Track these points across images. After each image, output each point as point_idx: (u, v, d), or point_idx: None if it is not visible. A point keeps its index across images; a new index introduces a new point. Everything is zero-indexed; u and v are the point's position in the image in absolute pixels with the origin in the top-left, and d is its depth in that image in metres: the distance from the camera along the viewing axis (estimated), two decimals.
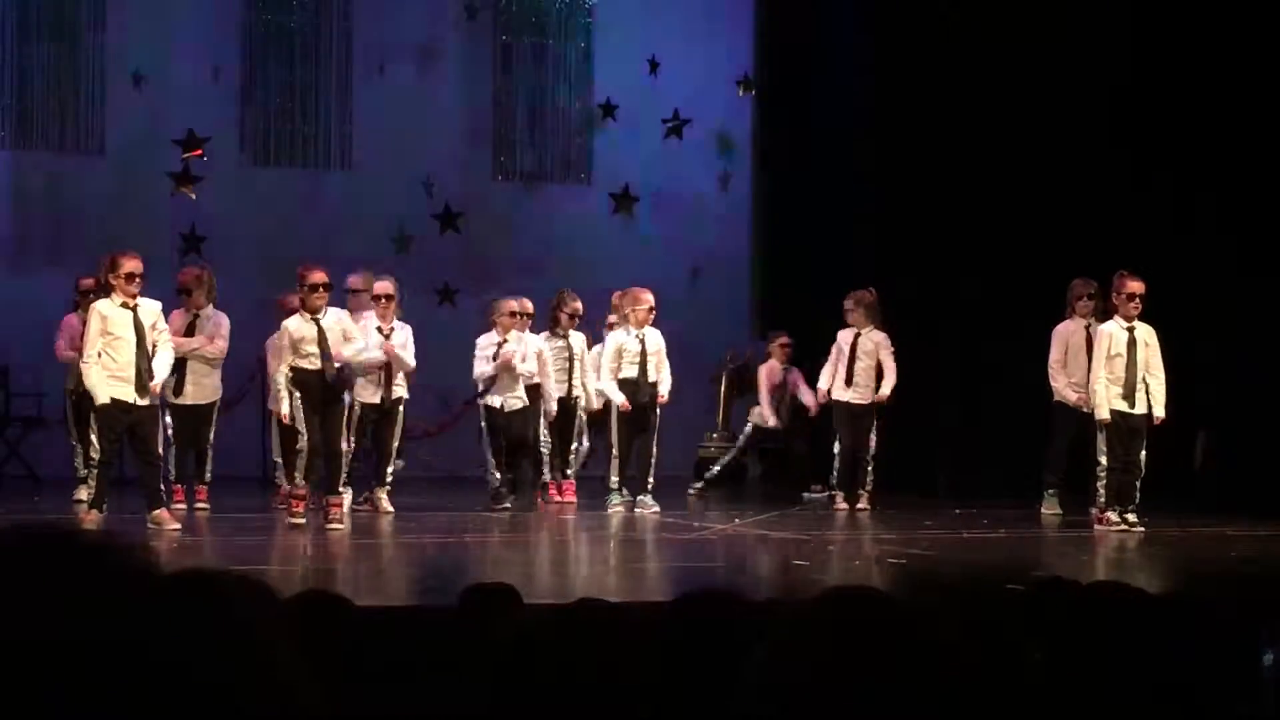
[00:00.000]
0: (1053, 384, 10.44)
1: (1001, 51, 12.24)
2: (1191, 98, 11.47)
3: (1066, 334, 10.46)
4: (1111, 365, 9.63)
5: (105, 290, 9.10)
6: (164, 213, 13.62)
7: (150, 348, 9.06)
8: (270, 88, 14.42)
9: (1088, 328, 10.30)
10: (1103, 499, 9.60)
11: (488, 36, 14.99)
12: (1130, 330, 9.68)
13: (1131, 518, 9.57)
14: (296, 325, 9.69)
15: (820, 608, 1.78)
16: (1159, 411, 9.66)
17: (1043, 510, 10.31)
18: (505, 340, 10.75)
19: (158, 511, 9.00)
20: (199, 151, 13.37)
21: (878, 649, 1.69)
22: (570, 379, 11.19)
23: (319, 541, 8.68)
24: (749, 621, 2.49)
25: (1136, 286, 9.64)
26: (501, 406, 10.62)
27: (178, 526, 8.99)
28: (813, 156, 14.46)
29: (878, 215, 13.48)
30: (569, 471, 11.31)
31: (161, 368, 9.18)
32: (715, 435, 13.67)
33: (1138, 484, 9.61)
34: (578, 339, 11.38)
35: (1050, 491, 10.37)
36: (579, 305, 11.41)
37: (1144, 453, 9.63)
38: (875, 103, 13.62)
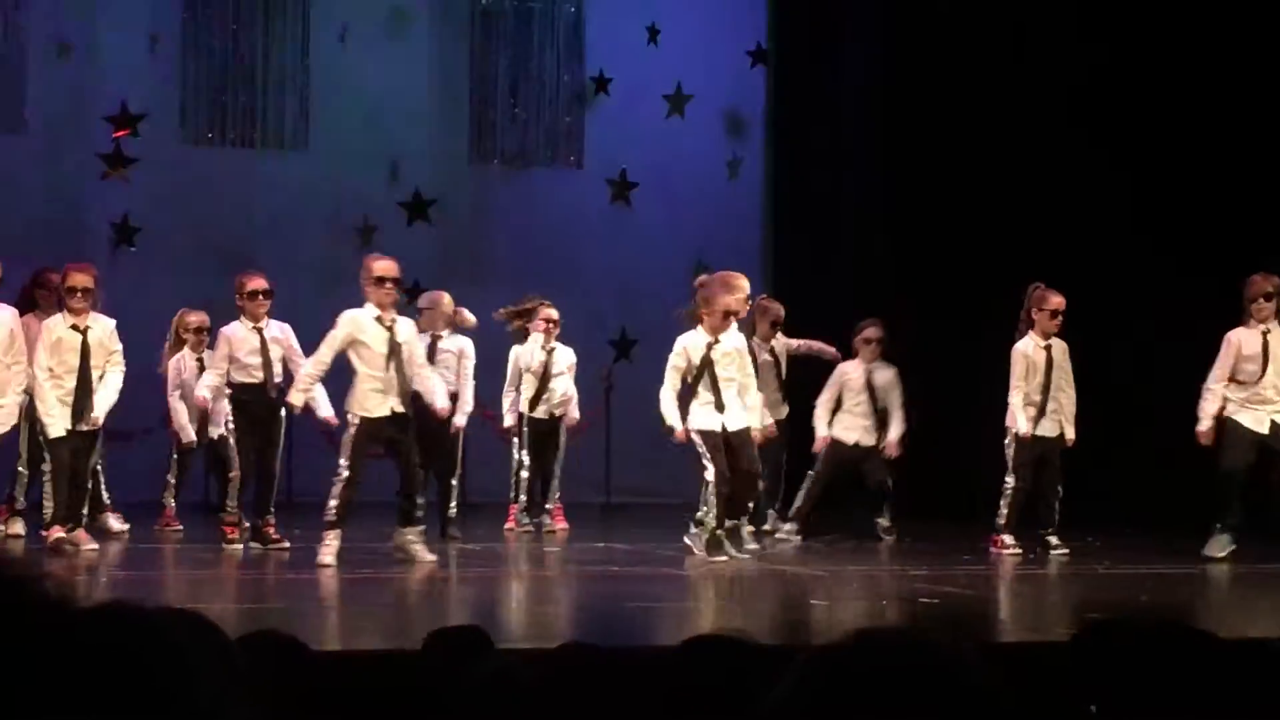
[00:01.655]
0: (1209, 404, 9.87)
1: (1048, 24, 12.38)
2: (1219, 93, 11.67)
3: (1239, 341, 9.89)
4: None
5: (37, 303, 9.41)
6: (93, 200, 13.61)
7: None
8: (214, 58, 14.40)
9: (1265, 334, 9.83)
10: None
11: None
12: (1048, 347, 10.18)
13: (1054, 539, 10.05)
14: (240, 334, 9.83)
15: (844, 653, 1.76)
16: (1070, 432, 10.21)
17: (1210, 552, 9.77)
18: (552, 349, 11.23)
19: (76, 532, 9.34)
20: (128, 131, 13.37)
21: (910, 701, 1.67)
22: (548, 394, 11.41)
23: (269, 576, 8.67)
24: (761, 669, 2.48)
25: (1058, 301, 10.13)
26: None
27: (95, 546, 9.17)
28: (834, 139, 14.47)
29: (907, 206, 13.51)
30: (557, 495, 11.56)
31: (108, 396, 9.32)
32: None
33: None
34: (561, 354, 11.45)
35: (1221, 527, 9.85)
36: (554, 313, 11.44)
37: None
38: (905, 79, 13.64)
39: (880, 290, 13.38)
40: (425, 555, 8.97)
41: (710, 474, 9.47)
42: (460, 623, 4.16)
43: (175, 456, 11.17)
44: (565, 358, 11.54)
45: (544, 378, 11.38)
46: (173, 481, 11.14)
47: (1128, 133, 12.23)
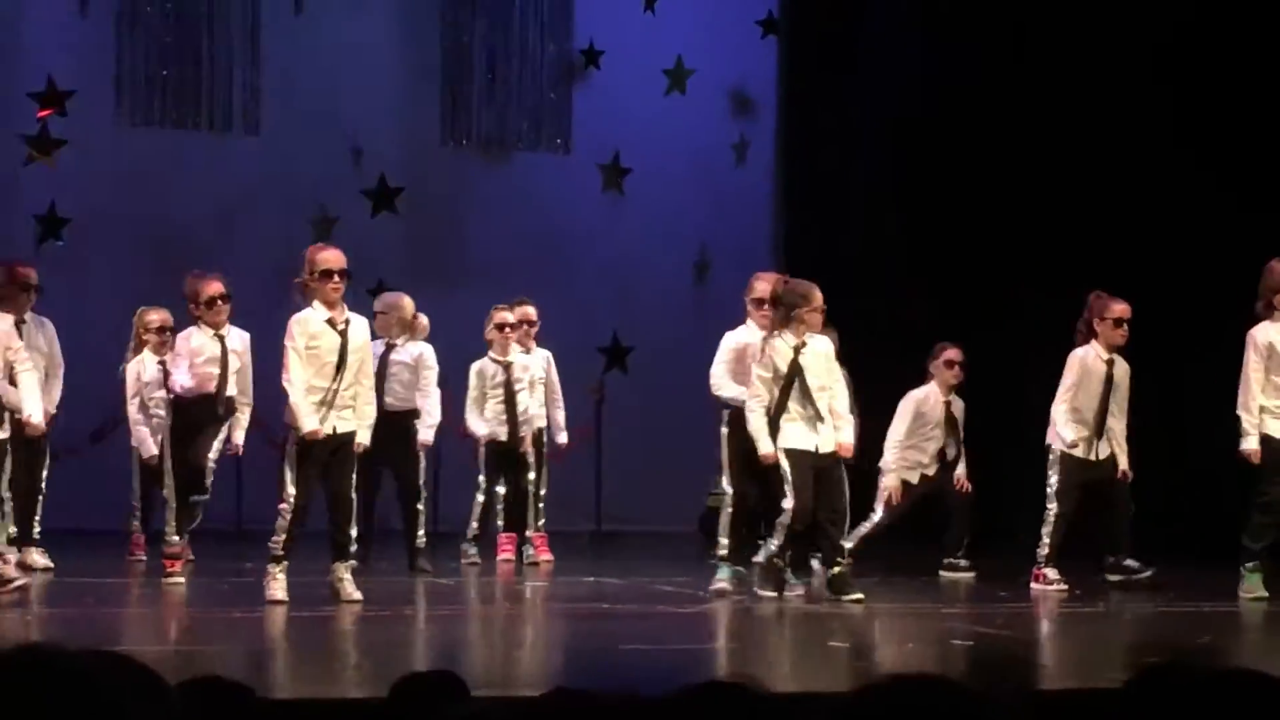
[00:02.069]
0: (1249, 416, 9.79)
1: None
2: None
3: (1268, 340, 9.85)
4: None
5: None
6: (15, 187, 13.61)
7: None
8: (155, 27, 14.42)
9: None
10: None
11: None
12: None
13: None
14: (200, 341, 9.91)
15: (862, 703, 1.76)
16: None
17: (1241, 592, 9.72)
18: (509, 363, 11.26)
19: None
20: (54, 109, 13.36)
21: None
22: (512, 411, 11.43)
23: (216, 614, 8.67)
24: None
25: (1121, 309, 10.25)
26: None
27: (23, 581, 9.10)
28: (853, 119, 14.48)
29: (932, 193, 13.53)
30: (541, 523, 11.61)
31: (31, 398, 9.26)
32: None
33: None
34: (535, 359, 11.48)
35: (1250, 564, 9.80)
36: (508, 316, 11.48)
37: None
38: (931, 53, 13.67)
39: (902, 288, 13.42)
40: (353, 594, 8.93)
41: (789, 504, 9.30)
42: (431, 667, 4.16)
43: (137, 476, 11.05)
44: (532, 367, 11.54)
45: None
46: (136, 505, 11.05)
47: (1151, 106, 12.38)
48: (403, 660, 7.14)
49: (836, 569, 9.31)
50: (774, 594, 9.37)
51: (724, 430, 9.78)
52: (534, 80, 15.21)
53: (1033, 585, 10.07)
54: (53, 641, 1.63)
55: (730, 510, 9.71)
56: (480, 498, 11.51)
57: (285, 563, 8.88)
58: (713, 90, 15.22)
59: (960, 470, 11.04)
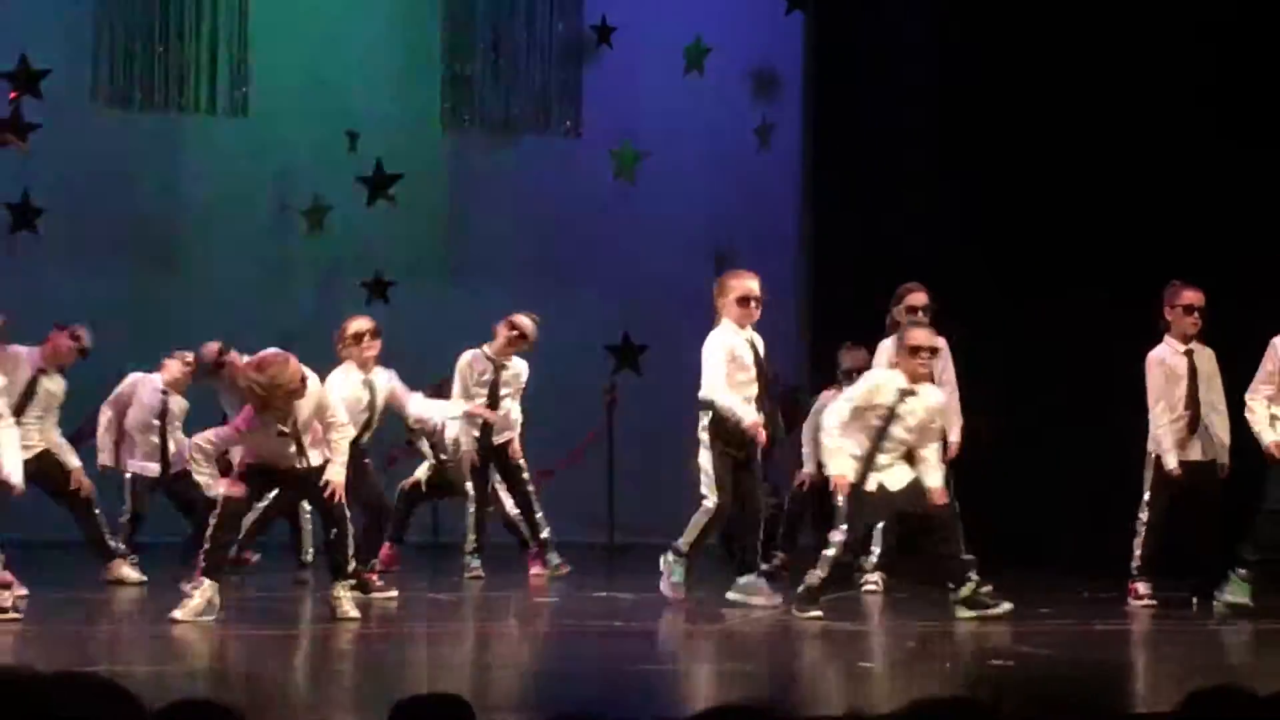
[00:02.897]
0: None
1: None
2: None
3: None
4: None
5: None
6: None
7: None
8: (136, 4, 14.45)
9: None
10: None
11: None
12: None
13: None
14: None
15: None
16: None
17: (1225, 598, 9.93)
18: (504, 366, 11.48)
19: None
20: (27, 91, 13.39)
21: None
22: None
23: (204, 634, 8.70)
24: None
25: (1191, 296, 10.22)
26: None
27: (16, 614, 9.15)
28: (885, 99, 14.48)
29: (971, 180, 13.52)
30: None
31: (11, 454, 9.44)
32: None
33: None
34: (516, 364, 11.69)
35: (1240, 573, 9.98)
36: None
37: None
38: (968, 28, 13.66)
39: (943, 280, 13.37)
40: (350, 611, 8.99)
41: (840, 537, 9.48)
42: (435, 689, 4.18)
43: (129, 490, 11.24)
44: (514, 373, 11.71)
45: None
46: (123, 521, 11.20)
47: (1209, 80, 12.34)
48: (403, 682, 7.16)
49: (825, 578, 9.46)
50: (817, 613, 9.41)
51: (704, 436, 10.09)
52: (542, 59, 15.24)
53: (1129, 600, 10.06)
54: (20, 664, 1.66)
55: (709, 517, 10.08)
56: (471, 508, 11.62)
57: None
58: (734, 70, 15.24)
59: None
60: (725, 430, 9.98)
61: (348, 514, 9.17)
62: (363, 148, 14.47)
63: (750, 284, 10.18)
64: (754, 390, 10.08)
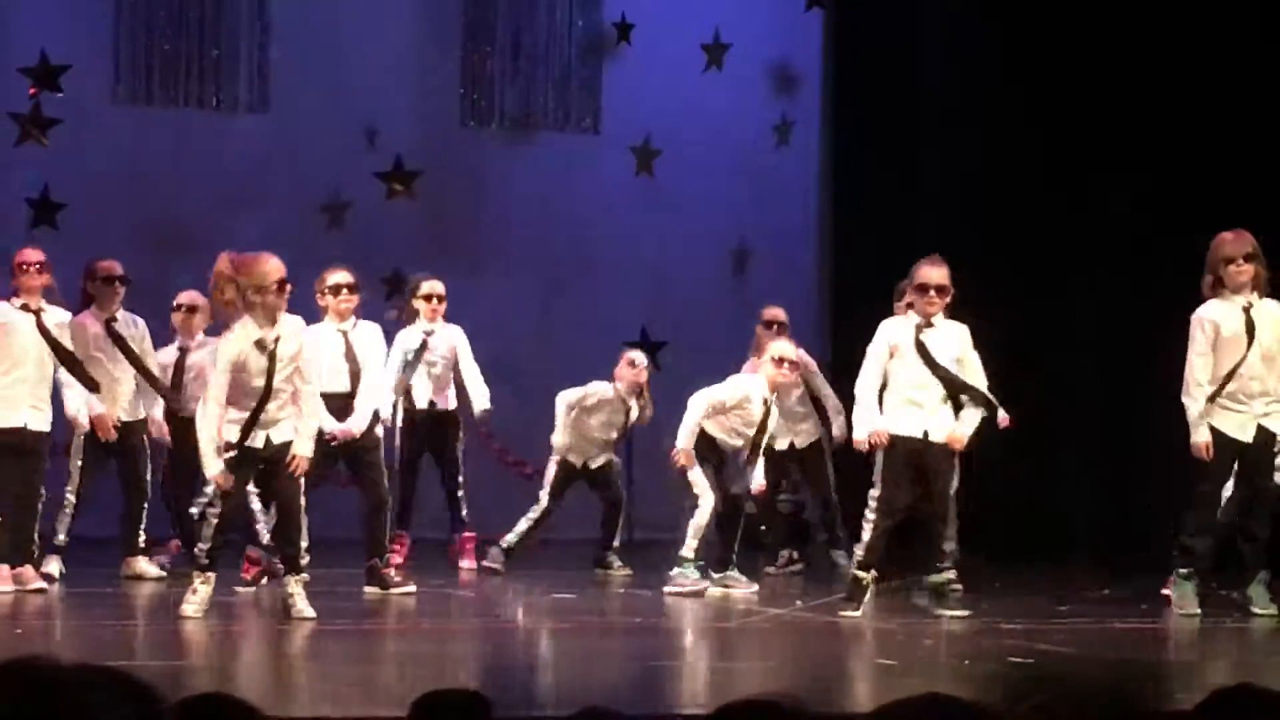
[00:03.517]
0: None
1: None
2: None
3: None
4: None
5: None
6: (5, 170, 13.66)
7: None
8: (156, 0, 14.48)
9: None
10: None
11: None
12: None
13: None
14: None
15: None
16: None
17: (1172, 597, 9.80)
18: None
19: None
20: (46, 87, 13.41)
21: None
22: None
23: (223, 629, 8.71)
24: None
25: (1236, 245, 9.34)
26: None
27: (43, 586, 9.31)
28: (907, 97, 14.45)
29: (997, 180, 13.50)
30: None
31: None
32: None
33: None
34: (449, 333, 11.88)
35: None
36: (439, 285, 11.90)
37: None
38: (997, 23, 13.63)
39: (962, 277, 13.35)
40: (306, 611, 8.86)
41: (876, 492, 9.29)
42: (453, 685, 4.18)
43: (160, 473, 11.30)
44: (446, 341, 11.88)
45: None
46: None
47: (1227, 75, 12.35)
48: (423, 677, 7.17)
49: (867, 573, 9.43)
50: (856, 612, 9.35)
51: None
52: (561, 55, 15.24)
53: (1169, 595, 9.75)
54: (43, 655, 1.66)
55: (705, 518, 10.60)
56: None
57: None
58: (754, 67, 15.21)
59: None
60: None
61: (303, 504, 8.95)
62: (382, 144, 14.48)
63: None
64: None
